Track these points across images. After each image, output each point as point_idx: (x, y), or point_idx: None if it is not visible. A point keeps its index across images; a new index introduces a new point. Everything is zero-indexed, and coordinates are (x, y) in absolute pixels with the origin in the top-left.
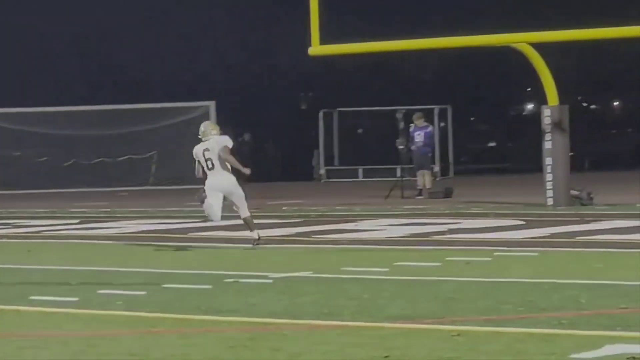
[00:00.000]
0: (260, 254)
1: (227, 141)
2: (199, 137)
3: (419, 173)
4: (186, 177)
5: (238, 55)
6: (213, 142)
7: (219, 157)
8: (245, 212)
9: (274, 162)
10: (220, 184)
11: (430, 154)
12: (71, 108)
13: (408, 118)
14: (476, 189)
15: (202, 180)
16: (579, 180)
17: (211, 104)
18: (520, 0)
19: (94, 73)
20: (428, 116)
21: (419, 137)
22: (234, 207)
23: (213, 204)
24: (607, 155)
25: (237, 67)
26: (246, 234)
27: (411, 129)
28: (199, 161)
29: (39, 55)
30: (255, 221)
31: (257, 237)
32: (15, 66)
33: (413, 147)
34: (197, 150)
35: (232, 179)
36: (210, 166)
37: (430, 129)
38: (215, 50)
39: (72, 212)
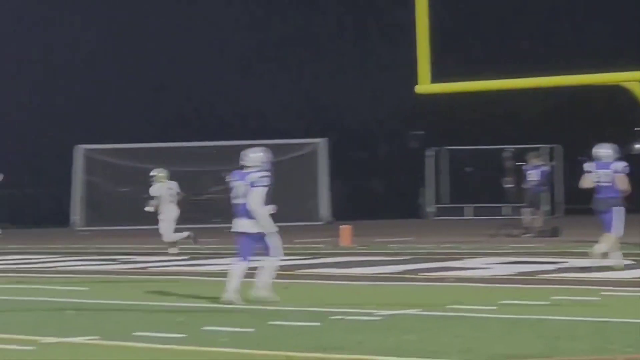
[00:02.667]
0: (367, 291)
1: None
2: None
3: (529, 211)
4: (295, 215)
5: (348, 93)
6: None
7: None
8: None
9: (382, 199)
10: None
11: (543, 193)
12: (178, 144)
13: (516, 157)
14: (586, 228)
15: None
16: None
17: (321, 141)
18: (632, 39)
19: (202, 108)
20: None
21: (532, 175)
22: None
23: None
24: None
25: (347, 104)
26: None
27: (524, 167)
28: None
29: (144, 92)
30: (362, 258)
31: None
32: (123, 102)
33: (526, 186)
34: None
35: None
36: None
37: (546, 168)
38: (326, 87)
39: (181, 249)
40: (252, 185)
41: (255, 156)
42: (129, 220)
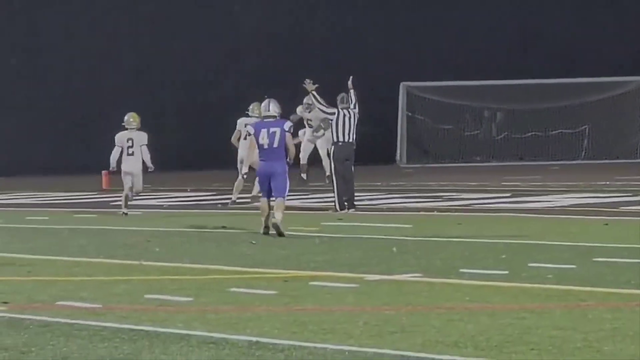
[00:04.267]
0: None
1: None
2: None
3: None
4: (618, 152)
5: None
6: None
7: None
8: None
9: None
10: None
11: None
12: (500, 82)
13: None
14: None
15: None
16: None
17: None
18: None
19: (528, 45)
20: None
21: None
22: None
23: None
24: None
25: None
26: None
27: None
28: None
29: (472, 29)
30: None
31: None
32: (447, 40)
33: None
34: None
35: None
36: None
37: None
38: None
39: (504, 186)
40: None
41: None
42: (453, 157)
